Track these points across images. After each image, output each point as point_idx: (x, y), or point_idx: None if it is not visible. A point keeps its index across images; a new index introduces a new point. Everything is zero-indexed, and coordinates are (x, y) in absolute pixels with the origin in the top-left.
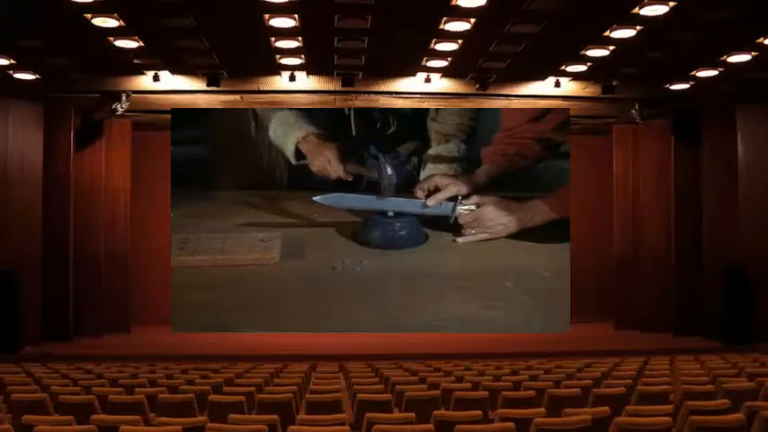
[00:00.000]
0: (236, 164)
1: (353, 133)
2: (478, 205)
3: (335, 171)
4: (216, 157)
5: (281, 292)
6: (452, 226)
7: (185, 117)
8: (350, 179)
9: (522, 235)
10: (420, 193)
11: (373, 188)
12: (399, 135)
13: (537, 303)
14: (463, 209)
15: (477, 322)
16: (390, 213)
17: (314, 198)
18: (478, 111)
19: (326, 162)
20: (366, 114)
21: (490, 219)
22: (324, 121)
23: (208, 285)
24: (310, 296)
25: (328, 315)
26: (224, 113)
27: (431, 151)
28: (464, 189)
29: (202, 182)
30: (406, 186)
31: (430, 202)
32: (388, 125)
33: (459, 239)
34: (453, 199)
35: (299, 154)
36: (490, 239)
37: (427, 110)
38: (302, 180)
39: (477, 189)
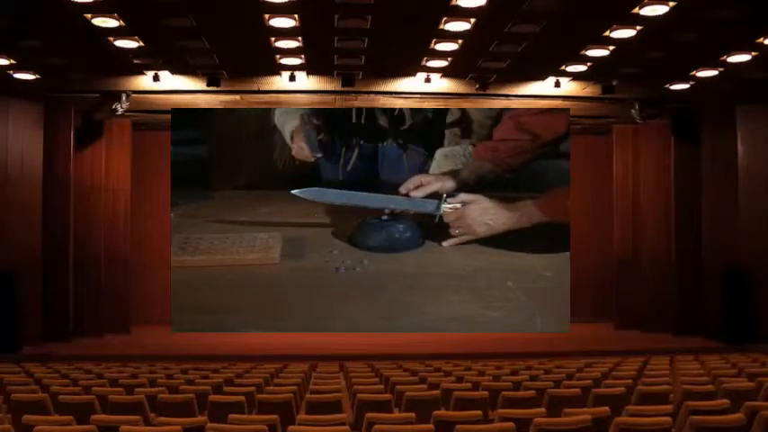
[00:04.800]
0: (236, 164)
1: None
2: (464, 203)
3: (308, 152)
4: (216, 158)
5: (281, 292)
6: (440, 227)
7: (185, 117)
8: (320, 156)
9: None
10: (403, 191)
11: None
12: (419, 133)
13: (537, 303)
14: (448, 207)
15: (476, 322)
16: (384, 217)
17: (293, 191)
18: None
19: (300, 143)
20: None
21: (474, 218)
22: (327, 116)
23: (208, 285)
24: (311, 296)
25: (329, 315)
26: (224, 114)
27: (441, 150)
28: (447, 185)
29: (202, 182)
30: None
31: (412, 194)
32: (403, 122)
33: (445, 243)
34: (439, 196)
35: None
36: (472, 241)
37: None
38: (309, 176)
39: (462, 186)
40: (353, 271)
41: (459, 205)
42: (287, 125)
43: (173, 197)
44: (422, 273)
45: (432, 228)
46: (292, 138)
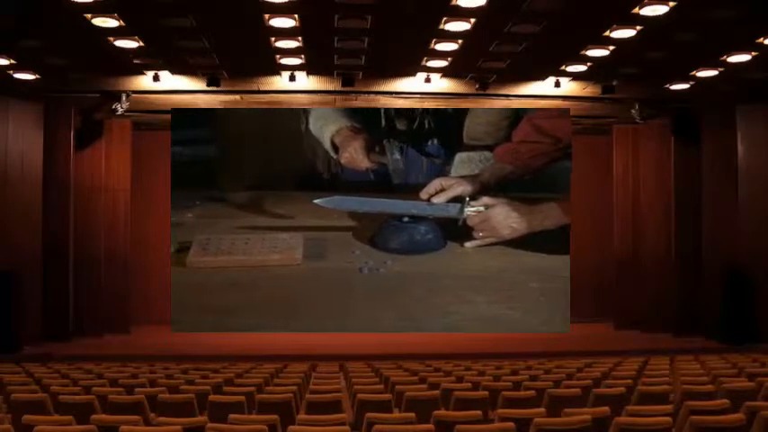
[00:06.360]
0: (247, 164)
1: (383, 125)
2: (487, 206)
3: (361, 161)
4: (226, 158)
5: (304, 293)
6: (461, 228)
7: (193, 117)
8: (375, 168)
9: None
10: (424, 196)
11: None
12: (441, 134)
13: (555, 303)
14: (471, 210)
15: (500, 322)
16: (405, 219)
17: (315, 201)
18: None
19: (354, 153)
20: (404, 112)
21: (498, 221)
22: (359, 116)
23: (234, 286)
24: (334, 297)
25: (354, 316)
26: (232, 113)
27: (459, 155)
28: (469, 189)
29: (212, 182)
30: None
31: (435, 200)
32: (423, 125)
33: (468, 244)
34: (461, 200)
35: (334, 147)
36: (497, 243)
37: (464, 110)
38: (321, 178)
39: (483, 189)
40: (377, 272)
41: (482, 208)
42: (325, 130)
43: (176, 197)
44: (445, 274)
45: (453, 229)
46: (336, 144)
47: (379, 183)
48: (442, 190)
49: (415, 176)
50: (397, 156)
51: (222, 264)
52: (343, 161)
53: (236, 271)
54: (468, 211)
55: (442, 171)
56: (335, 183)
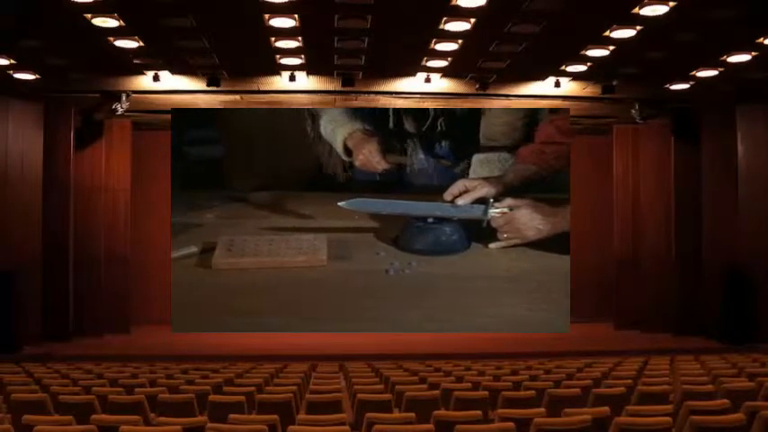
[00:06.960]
0: (257, 165)
1: (393, 126)
2: (511, 207)
3: (378, 163)
4: (235, 158)
5: (332, 294)
6: (485, 229)
7: (199, 117)
8: (390, 168)
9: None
10: (448, 197)
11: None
12: (452, 136)
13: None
14: (495, 211)
15: (527, 324)
16: (430, 220)
17: (339, 203)
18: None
19: (369, 155)
20: (414, 113)
21: (523, 222)
22: (370, 118)
23: (252, 287)
24: (361, 298)
25: (382, 316)
26: (237, 113)
27: (477, 156)
28: (493, 190)
29: (221, 183)
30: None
31: (459, 201)
32: (435, 126)
33: (492, 245)
34: (485, 201)
35: (347, 150)
36: (519, 244)
37: (478, 111)
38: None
39: (507, 190)
40: (403, 273)
41: (506, 210)
42: (337, 133)
43: (199, 198)
44: (471, 275)
45: (477, 230)
46: (348, 147)
47: (394, 183)
48: (466, 191)
49: (430, 178)
50: (422, 155)
51: (247, 265)
52: (357, 163)
53: (261, 272)
54: (493, 212)
55: (453, 173)
56: (349, 184)
